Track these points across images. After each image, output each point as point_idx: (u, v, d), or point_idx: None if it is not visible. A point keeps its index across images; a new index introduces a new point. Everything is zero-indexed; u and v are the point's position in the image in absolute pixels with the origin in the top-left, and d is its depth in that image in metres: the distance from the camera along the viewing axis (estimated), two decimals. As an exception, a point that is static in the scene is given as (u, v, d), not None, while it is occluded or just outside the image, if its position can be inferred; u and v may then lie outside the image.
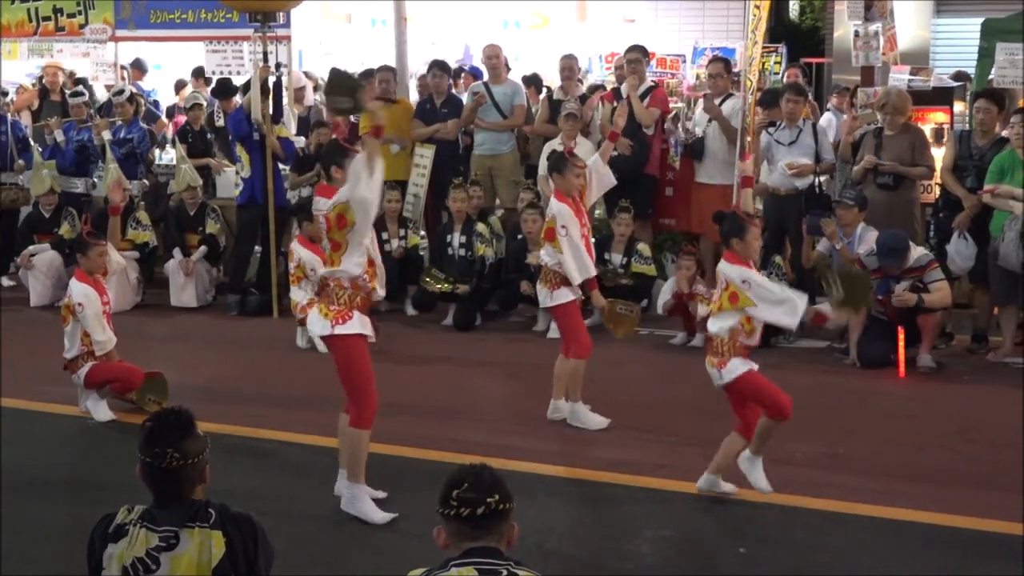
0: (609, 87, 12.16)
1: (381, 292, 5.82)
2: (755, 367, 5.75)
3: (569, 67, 11.21)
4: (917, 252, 8.36)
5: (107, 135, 11.41)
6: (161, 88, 15.49)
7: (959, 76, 11.70)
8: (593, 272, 7.10)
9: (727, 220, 5.93)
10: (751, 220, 5.88)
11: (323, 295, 5.72)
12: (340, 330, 5.62)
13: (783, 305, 5.67)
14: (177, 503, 3.36)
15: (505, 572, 3.02)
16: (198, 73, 13.77)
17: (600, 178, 7.30)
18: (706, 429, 6.40)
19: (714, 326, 5.79)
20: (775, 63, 14.85)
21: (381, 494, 5.85)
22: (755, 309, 5.66)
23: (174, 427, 3.39)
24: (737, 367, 5.69)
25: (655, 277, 9.87)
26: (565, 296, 7.08)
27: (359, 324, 5.65)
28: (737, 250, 5.76)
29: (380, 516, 5.70)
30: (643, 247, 9.84)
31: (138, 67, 14.31)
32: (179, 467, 3.34)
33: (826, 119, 11.96)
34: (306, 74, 14.37)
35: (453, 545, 3.11)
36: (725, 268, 5.75)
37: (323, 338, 5.81)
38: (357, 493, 5.76)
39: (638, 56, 10.63)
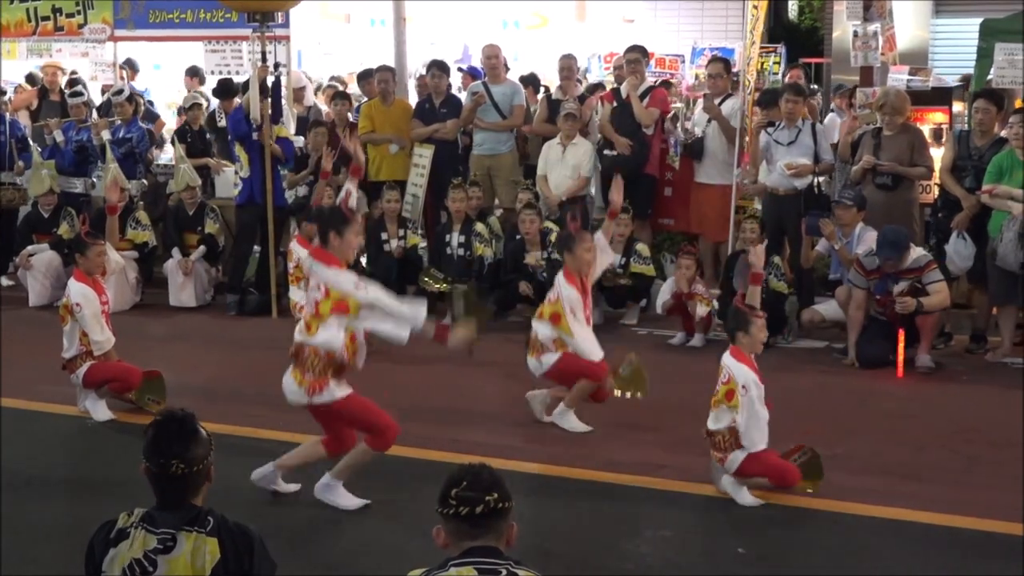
0: (608, 87, 12.17)
1: (359, 366, 5.82)
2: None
3: (568, 67, 11.22)
4: (916, 253, 8.36)
5: (106, 135, 11.41)
6: (161, 87, 15.47)
7: (965, 79, 11.70)
8: (601, 354, 7.03)
9: (732, 314, 6.12)
10: (755, 314, 6.00)
11: (297, 361, 5.73)
12: (317, 399, 5.68)
13: (758, 431, 5.86)
14: (180, 507, 3.36)
15: (504, 572, 3.02)
16: (193, 72, 13.77)
17: (602, 254, 7.32)
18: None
19: (714, 423, 5.97)
20: (774, 63, 14.84)
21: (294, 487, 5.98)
22: (738, 415, 5.85)
23: (177, 435, 3.38)
24: (739, 457, 5.88)
25: (654, 277, 9.87)
26: (553, 357, 7.06)
27: (336, 390, 5.69)
28: (743, 344, 5.94)
29: (354, 502, 5.82)
30: (642, 247, 9.84)
31: (131, 67, 14.30)
32: (184, 474, 3.34)
33: (830, 119, 11.97)
34: (305, 75, 14.36)
35: (453, 544, 3.11)
36: (731, 364, 5.92)
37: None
38: (335, 486, 5.85)
39: (638, 56, 10.64)
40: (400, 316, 5.50)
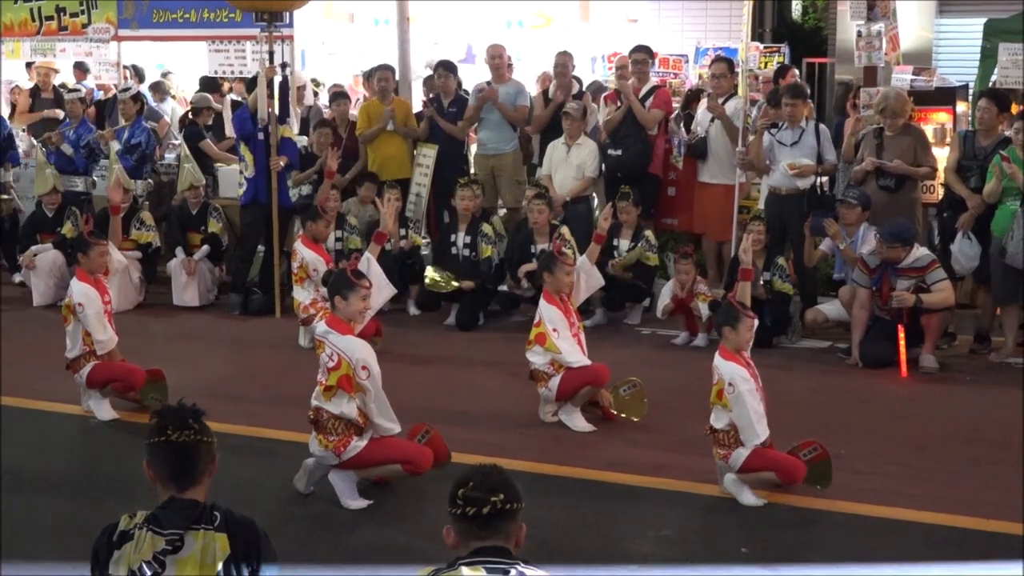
0: (611, 87, 12.16)
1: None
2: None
3: (563, 64, 11.17)
4: (919, 252, 8.36)
5: (116, 145, 11.35)
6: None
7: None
8: (588, 362, 7.16)
9: (722, 308, 6.18)
10: (745, 312, 6.01)
11: (318, 427, 5.88)
12: (347, 456, 5.85)
13: (750, 426, 5.85)
14: (189, 486, 3.37)
15: (514, 572, 3.03)
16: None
17: (588, 278, 7.42)
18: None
19: (717, 422, 6.00)
20: (778, 63, 14.81)
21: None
22: (730, 414, 5.89)
23: (188, 409, 3.47)
24: (743, 453, 5.89)
25: (658, 267, 9.86)
26: (557, 379, 7.11)
27: (360, 442, 5.86)
28: (729, 340, 5.99)
29: (357, 503, 5.89)
30: (650, 234, 9.81)
31: (80, 68, 14.39)
32: (197, 442, 3.39)
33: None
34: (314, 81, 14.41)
35: (461, 544, 3.12)
36: (718, 362, 5.99)
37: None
38: (351, 481, 5.93)
39: (644, 57, 10.62)
40: (378, 425, 5.88)
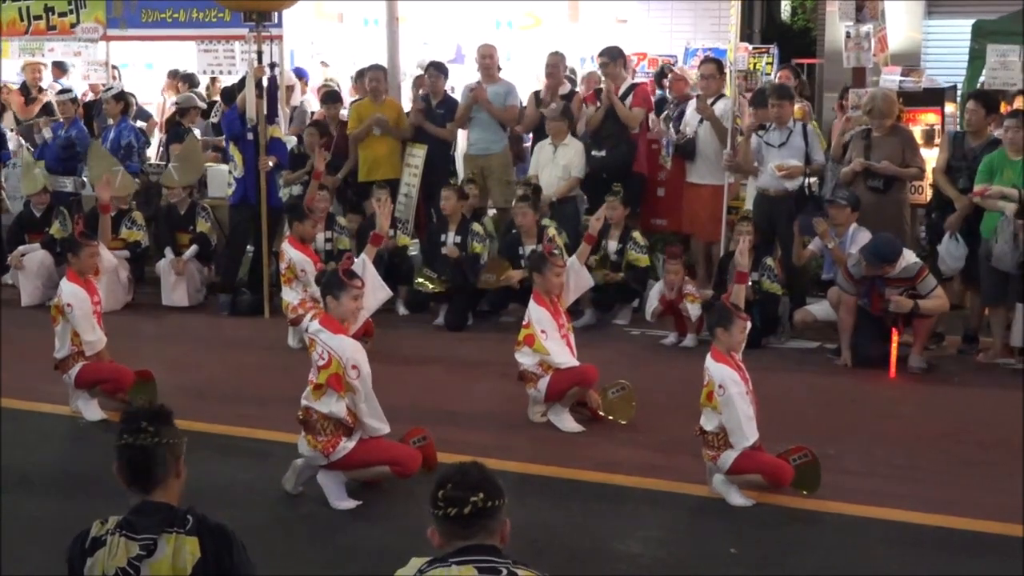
0: (593, 87, 12.16)
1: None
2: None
3: (554, 64, 11.15)
4: (906, 261, 8.30)
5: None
6: (155, 87, 15.45)
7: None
8: (576, 363, 7.16)
9: (715, 309, 6.19)
10: (739, 313, 6.02)
11: (307, 427, 5.87)
12: (335, 456, 5.84)
13: (740, 428, 5.85)
14: (149, 490, 3.36)
15: (505, 571, 3.02)
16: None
17: (577, 279, 7.41)
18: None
19: (707, 423, 6.01)
20: (767, 64, 14.85)
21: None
22: (720, 416, 5.89)
23: (152, 411, 3.45)
24: (731, 455, 5.90)
25: (648, 268, 9.85)
26: (546, 380, 7.12)
27: (348, 443, 5.85)
28: (721, 341, 5.99)
29: (346, 503, 5.89)
30: (638, 235, 9.79)
31: (59, 67, 14.34)
32: (154, 445, 3.36)
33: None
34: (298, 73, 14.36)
35: (447, 544, 3.10)
36: (709, 364, 5.99)
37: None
38: (339, 481, 5.93)
39: (605, 60, 10.59)
40: (367, 424, 5.87)
